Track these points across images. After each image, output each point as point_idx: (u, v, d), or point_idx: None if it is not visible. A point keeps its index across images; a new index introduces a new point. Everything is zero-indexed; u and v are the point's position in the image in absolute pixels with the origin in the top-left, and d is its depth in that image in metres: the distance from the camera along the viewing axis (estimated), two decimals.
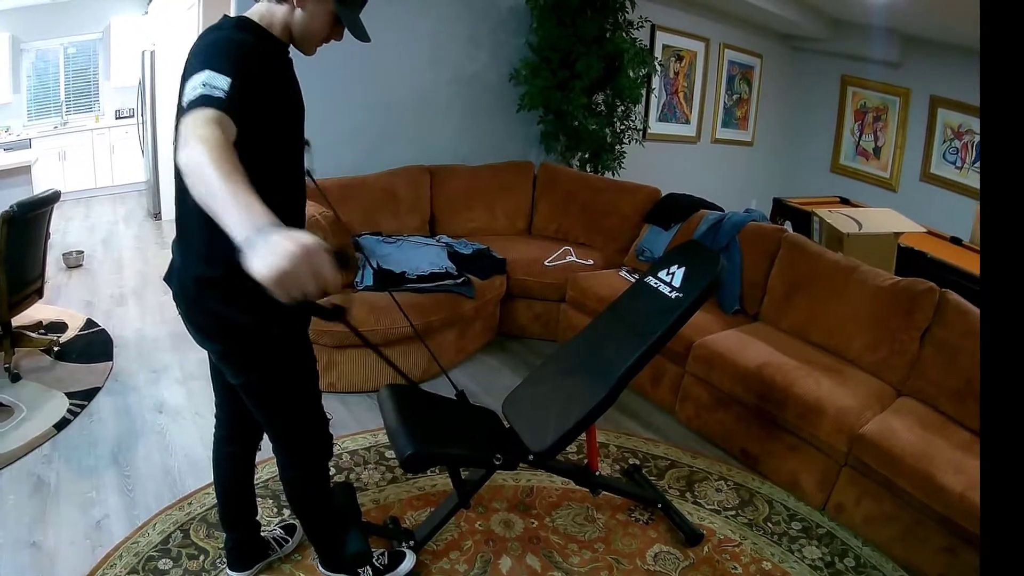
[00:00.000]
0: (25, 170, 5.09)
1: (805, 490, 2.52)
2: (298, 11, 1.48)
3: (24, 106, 6.84)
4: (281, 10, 1.47)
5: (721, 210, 3.57)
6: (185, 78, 1.32)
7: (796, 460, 2.54)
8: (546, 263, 3.74)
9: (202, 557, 2.17)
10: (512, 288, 3.69)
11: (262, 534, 2.12)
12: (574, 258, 3.80)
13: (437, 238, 3.82)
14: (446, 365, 3.38)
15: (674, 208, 3.66)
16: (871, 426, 2.29)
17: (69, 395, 3.05)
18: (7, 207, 2.93)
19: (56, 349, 3.46)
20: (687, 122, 5.38)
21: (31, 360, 3.39)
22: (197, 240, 1.47)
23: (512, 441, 2.08)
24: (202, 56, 1.32)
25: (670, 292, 2.08)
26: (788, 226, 4.13)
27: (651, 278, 2.19)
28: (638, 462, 2.73)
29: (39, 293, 3.44)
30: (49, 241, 3.46)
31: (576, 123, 4.26)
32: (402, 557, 2.10)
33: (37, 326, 3.68)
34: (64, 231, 6.09)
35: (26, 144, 6.31)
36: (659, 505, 2.38)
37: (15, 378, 3.16)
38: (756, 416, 2.68)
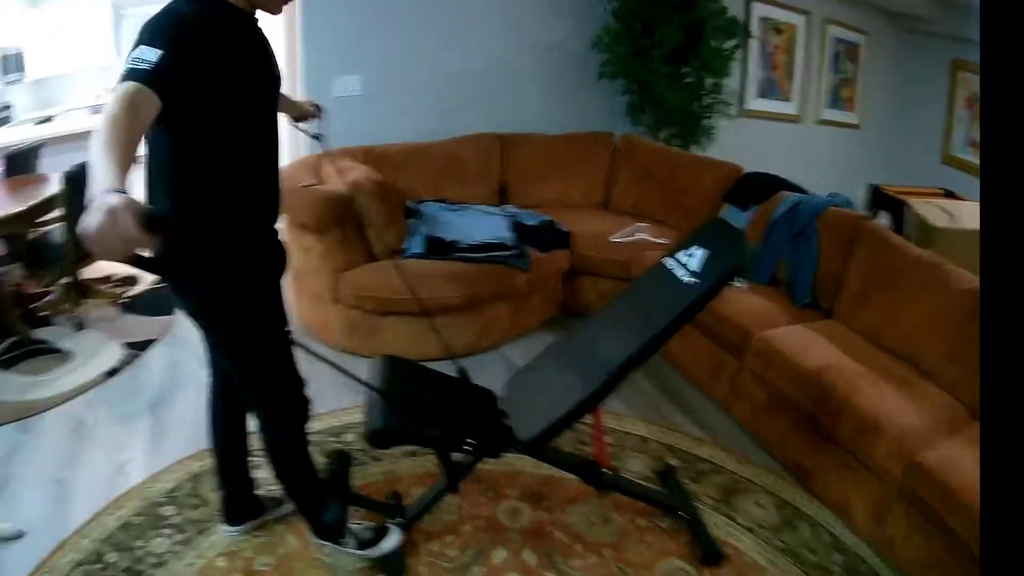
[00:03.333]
0: (86, 136, 5.52)
1: (855, 517, 2.27)
2: None
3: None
4: None
5: (804, 192, 3.32)
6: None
7: (849, 481, 2.30)
8: (612, 239, 3.64)
9: (203, 508, 2.28)
10: (576, 264, 3.59)
11: (259, 493, 2.21)
12: (644, 235, 3.66)
13: (503, 208, 3.80)
14: (498, 340, 3.38)
15: (754, 187, 3.44)
16: (932, 453, 2.02)
17: (125, 345, 3.33)
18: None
19: (123, 302, 3.80)
20: (788, 100, 5.08)
21: (99, 311, 3.72)
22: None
23: (501, 427, 2.03)
24: (141, 31, 1.40)
25: (685, 276, 1.92)
26: (884, 217, 3.78)
27: (670, 258, 2.06)
28: (676, 463, 2.59)
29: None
30: None
31: (661, 94, 4.08)
32: (386, 534, 2.09)
33: (106, 280, 4.01)
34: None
35: None
36: (680, 514, 2.27)
37: (79, 327, 3.48)
38: (811, 425, 2.46)
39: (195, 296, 1.70)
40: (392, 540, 2.10)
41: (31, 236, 3.63)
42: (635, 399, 3.01)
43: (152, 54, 1.33)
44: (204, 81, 1.43)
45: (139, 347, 3.33)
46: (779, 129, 4.92)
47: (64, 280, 3.54)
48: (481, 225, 3.50)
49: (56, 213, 3.53)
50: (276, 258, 1.84)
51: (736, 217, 3.40)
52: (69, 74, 7.59)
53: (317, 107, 2.31)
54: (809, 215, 2.99)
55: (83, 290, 3.73)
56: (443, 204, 3.73)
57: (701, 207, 3.70)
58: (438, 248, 3.28)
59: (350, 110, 3.93)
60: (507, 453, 2.09)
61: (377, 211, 3.20)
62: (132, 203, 1.06)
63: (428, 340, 3.19)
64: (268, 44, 1.68)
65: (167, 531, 2.23)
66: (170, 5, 1.46)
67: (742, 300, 2.99)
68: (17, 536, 2.20)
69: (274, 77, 1.70)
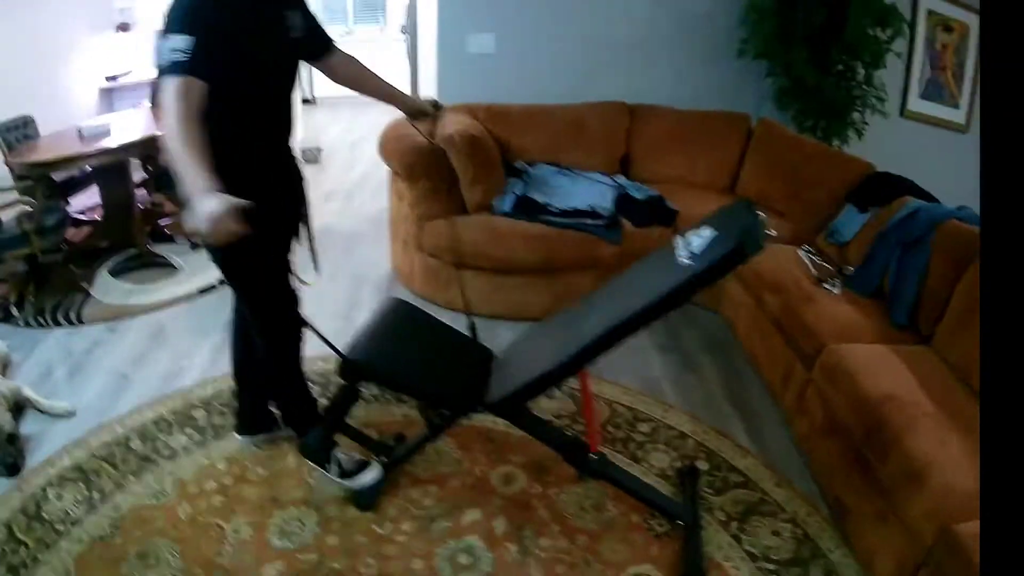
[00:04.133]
0: None
1: (878, 574, 1.98)
2: None
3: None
4: None
5: (934, 200, 2.85)
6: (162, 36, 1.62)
7: (880, 532, 1.97)
8: None
9: (228, 417, 2.50)
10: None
11: (273, 410, 2.40)
12: None
13: (614, 178, 3.69)
14: None
15: (880, 188, 3.00)
16: (972, 526, 1.68)
17: None
18: None
19: None
20: (956, 106, 4.28)
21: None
22: None
23: (476, 386, 2.03)
24: (169, 19, 1.60)
25: (683, 257, 1.74)
26: None
27: (679, 237, 1.88)
28: (706, 467, 2.41)
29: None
30: None
31: (801, 77, 3.69)
32: (367, 469, 2.19)
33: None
34: (324, 130, 7.22)
35: None
36: (679, 522, 2.11)
37: (194, 246, 3.92)
38: (858, 459, 2.13)
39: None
40: (370, 475, 2.19)
41: (164, 160, 4.12)
42: (695, 393, 2.81)
43: (185, 43, 1.54)
44: (219, 51, 1.62)
45: None
46: (941, 137, 4.21)
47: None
48: (583, 192, 3.42)
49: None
50: (274, 193, 1.96)
51: (853, 219, 3.01)
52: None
53: (436, 106, 2.34)
54: (926, 225, 2.56)
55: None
56: (556, 168, 3.70)
57: (823, 203, 3.31)
58: (526, 208, 3.27)
59: (482, 68, 4.01)
60: (476, 412, 2.08)
61: (465, 166, 3.25)
62: (228, 204, 1.45)
63: (500, 297, 3.26)
64: (285, 15, 1.84)
65: (190, 431, 2.50)
66: None
67: (831, 308, 2.66)
68: (69, 414, 2.58)
69: (287, 42, 1.88)
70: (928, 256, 2.53)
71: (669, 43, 4.07)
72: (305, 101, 7.81)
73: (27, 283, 3.44)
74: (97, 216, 4.24)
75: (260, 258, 1.93)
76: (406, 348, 2.10)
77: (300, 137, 6.56)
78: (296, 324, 2.10)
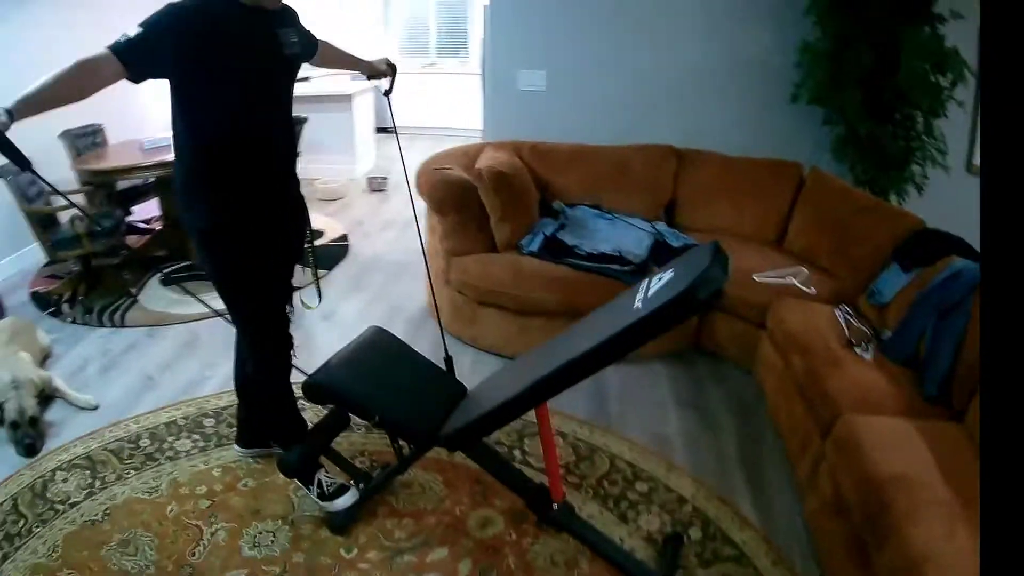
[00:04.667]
0: (346, 99, 6.34)
1: None
2: None
3: (396, 42, 8.37)
4: None
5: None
6: None
7: None
8: (756, 277, 3.29)
9: (234, 429, 2.62)
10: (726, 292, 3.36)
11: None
12: (794, 281, 3.25)
13: (654, 224, 3.66)
14: None
15: (926, 246, 2.82)
16: None
17: None
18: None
19: None
20: None
21: None
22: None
23: (437, 420, 2.05)
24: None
25: (639, 301, 1.69)
26: None
27: (645, 279, 1.84)
28: (698, 537, 2.30)
29: None
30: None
31: (853, 123, 3.54)
32: (345, 493, 2.24)
33: None
34: (396, 159, 7.46)
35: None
36: None
37: None
38: (856, 544, 2.01)
39: (190, 232, 2.04)
40: (345, 500, 2.23)
41: None
42: (707, 455, 2.68)
43: (135, 32, 1.67)
44: (187, 61, 1.73)
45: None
46: None
47: None
48: (618, 236, 3.41)
49: None
50: (263, 219, 2.04)
51: (895, 278, 2.84)
52: (330, 40, 8.83)
53: (390, 65, 2.55)
54: (966, 288, 2.39)
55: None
56: (597, 210, 3.71)
57: (868, 261, 3.14)
58: (553, 249, 3.28)
59: (532, 105, 4.08)
60: (433, 445, 2.10)
61: (493, 202, 3.30)
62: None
63: (524, 339, 3.24)
64: (279, 33, 1.93)
65: (196, 437, 2.62)
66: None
67: (858, 374, 2.50)
68: (92, 407, 2.77)
69: (281, 60, 1.95)
70: (967, 321, 2.36)
71: (721, 86, 4.01)
72: (381, 130, 8.13)
73: (80, 283, 3.74)
74: (158, 226, 4.56)
75: (247, 276, 2.03)
76: (374, 375, 2.13)
77: (370, 166, 6.86)
78: (283, 345, 2.18)
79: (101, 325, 3.49)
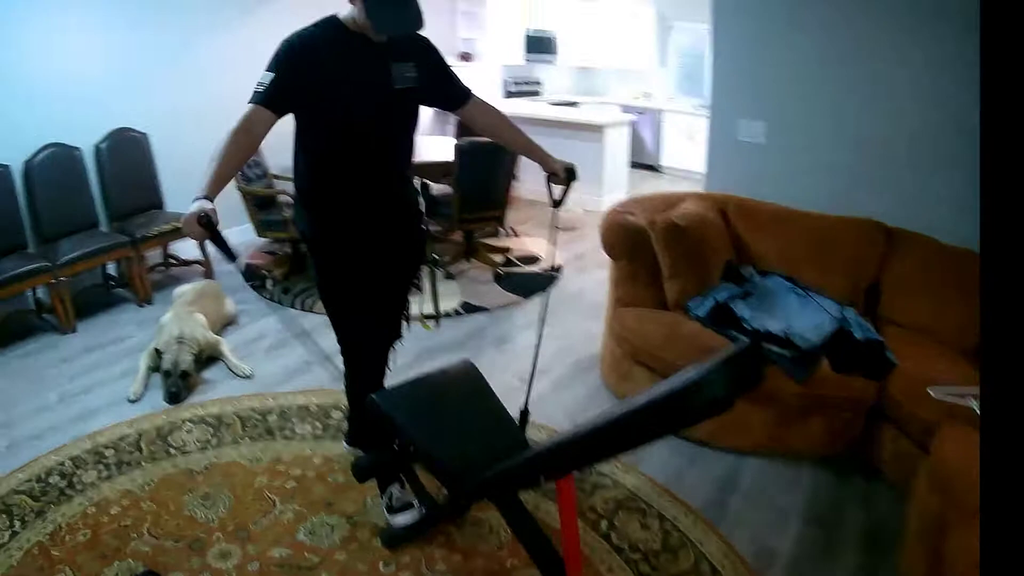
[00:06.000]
0: (598, 129, 6.40)
1: None
2: (353, 7, 1.97)
3: (671, 80, 8.33)
4: (349, 8, 1.99)
5: None
6: None
7: None
8: (930, 390, 2.71)
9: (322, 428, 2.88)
10: (887, 405, 2.85)
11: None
12: (973, 403, 2.62)
13: (843, 308, 3.24)
14: (743, 446, 2.89)
15: None
16: None
17: (463, 304, 4.12)
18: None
19: (498, 272, 4.63)
20: None
21: (480, 271, 4.68)
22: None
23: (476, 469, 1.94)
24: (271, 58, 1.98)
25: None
26: None
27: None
28: None
29: (499, 221, 4.67)
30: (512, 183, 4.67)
31: None
32: (407, 511, 2.30)
33: (504, 250, 4.91)
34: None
35: (634, 111, 7.80)
36: None
37: (448, 276, 4.47)
38: None
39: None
40: (404, 518, 2.29)
41: (433, 190, 4.76)
42: None
43: (267, 78, 1.90)
44: (307, 90, 1.94)
45: (469, 309, 4.08)
46: None
47: (454, 234, 4.59)
48: (798, 316, 3.08)
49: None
50: (360, 242, 2.18)
51: None
52: (605, 70, 8.84)
53: (569, 172, 2.34)
54: None
55: (473, 249, 4.73)
56: (791, 283, 3.39)
57: None
58: (719, 318, 3.05)
59: (750, 157, 3.88)
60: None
61: (663, 256, 3.16)
62: (202, 207, 1.72)
63: None
64: (393, 66, 2.05)
65: (318, 424, 2.93)
66: (297, 32, 1.98)
67: None
68: (246, 376, 3.25)
69: (389, 92, 2.05)
70: None
71: (950, 163, 3.39)
72: (648, 167, 8.14)
73: (285, 264, 4.32)
74: None
75: (337, 289, 2.22)
76: (436, 408, 2.15)
77: (619, 201, 6.90)
78: (368, 356, 2.32)
79: (292, 307, 4.00)
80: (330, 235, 2.16)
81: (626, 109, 8.12)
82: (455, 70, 2.29)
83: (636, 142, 8.16)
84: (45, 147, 3.84)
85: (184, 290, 3.62)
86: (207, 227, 1.71)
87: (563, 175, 2.32)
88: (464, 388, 2.26)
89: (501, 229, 5.35)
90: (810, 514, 2.58)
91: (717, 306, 3.09)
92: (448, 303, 4.14)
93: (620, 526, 2.42)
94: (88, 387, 3.14)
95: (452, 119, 5.95)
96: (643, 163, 8.49)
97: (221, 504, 2.37)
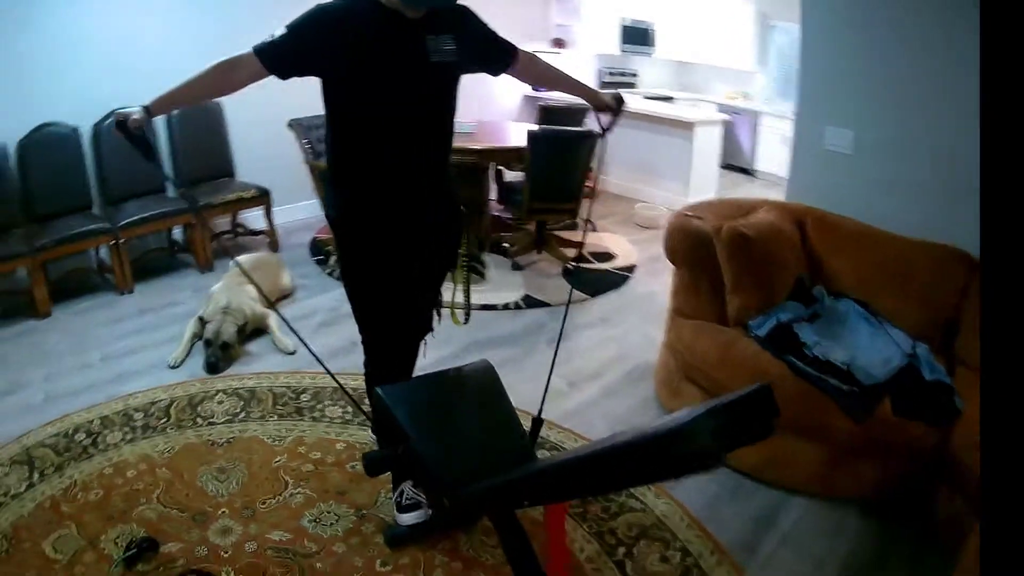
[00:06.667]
0: (687, 127, 6.19)
1: None
2: None
3: (770, 82, 7.95)
4: None
5: None
6: None
7: None
8: None
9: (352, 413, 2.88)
10: (953, 454, 2.53)
11: None
12: None
13: (916, 343, 2.95)
14: (790, 483, 2.67)
15: None
16: None
17: (524, 298, 4.07)
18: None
19: (566, 267, 4.54)
20: None
21: (549, 264, 4.63)
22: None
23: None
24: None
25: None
26: None
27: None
28: None
29: (571, 214, 4.55)
30: (586, 179, 4.58)
31: None
32: (415, 511, 2.26)
33: (578, 244, 4.78)
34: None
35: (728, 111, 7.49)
36: None
37: (516, 267, 4.46)
38: None
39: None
40: (411, 517, 2.26)
41: (507, 176, 4.69)
42: None
43: (279, 34, 1.88)
44: (327, 61, 1.90)
45: (530, 303, 4.03)
46: None
47: (526, 224, 4.53)
48: (865, 348, 2.82)
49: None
50: (388, 225, 2.11)
51: None
52: (703, 66, 8.53)
53: (617, 99, 2.41)
54: None
55: (544, 240, 4.66)
56: (865, 310, 3.13)
57: None
58: (779, 341, 2.84)
59: (835, 167, 3.63)
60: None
61: (725, 267, 2.96)
62: (129, 114, 1.94)
63: None
64: (428, 40, 1.95)
65: (349, 410, 2.92)
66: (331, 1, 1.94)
67: None
68: (289, 352, 3.29)
69: (425, 66, 1.96)
70: None
71: None
72: (743, 171, 7.84)
73: None
74: None
75: (359, 276, 2.18)
76: (441, 409, 2.07)
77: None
78: (387, 349, 2.27)
79: None
80: (355, 216, 2.11)
81: (722, 108, 7.83)
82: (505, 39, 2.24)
83: (731, 144, 7.88)
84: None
85: (241, 260, 3.71)
86: (122, 129, 1.94)
87: (613, 103, 2.39)
88: (476, 390, 2.16)
89: (576, 221, 5.24)
90: (849, 567, 2.37)
91: (779, 326, 2.90)
92: (509, 295, 4.11)
93: (638, 556, 2.29)
94: (133, 349, 3.27)
95: (537, 105, 5.90)
96: (737, 166, 8.19)
97: (234, 480, 2.40)
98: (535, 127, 4.26)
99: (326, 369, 2.19)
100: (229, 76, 1.91)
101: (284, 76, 1.92)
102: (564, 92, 2.48)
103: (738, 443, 1.22)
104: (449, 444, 1.92)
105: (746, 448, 2.63)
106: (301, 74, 1.94)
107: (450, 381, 2.19)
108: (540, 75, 2.40)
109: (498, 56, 2.22)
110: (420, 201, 2.14)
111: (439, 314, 2.47)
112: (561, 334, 2.55)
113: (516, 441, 2.04)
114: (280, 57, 1.89)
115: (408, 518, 2.25)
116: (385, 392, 2.00)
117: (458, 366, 2.27)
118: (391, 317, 2.22)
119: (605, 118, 2.45)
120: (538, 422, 2.13)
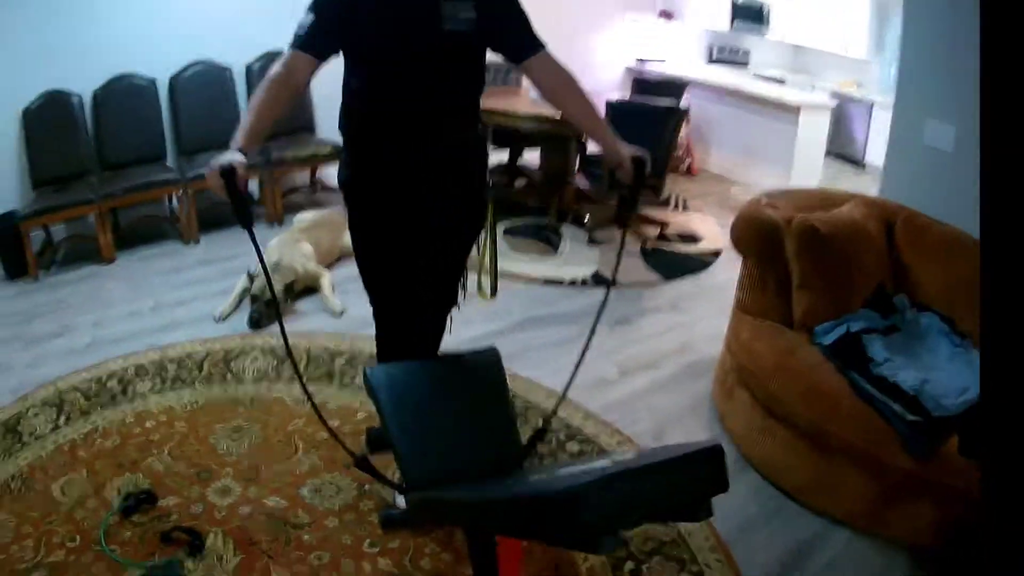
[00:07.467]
0: (793, 111, 5.87)
1: None
2: None
3: (886, 72, 7.31)
4: None
5: None
6: None
7: None
8: None
9: None
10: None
11: None
12: None
13: None
14: (840, 513, 2.42)
15: None
16: None
17: (595, 274, 3.97)
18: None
19: (645, 248, 4.38)
20: None
21: (629, 242, 4.41)
22: None
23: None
24: None
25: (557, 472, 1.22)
26: None
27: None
28: None
29: (654, 191, 4.35)
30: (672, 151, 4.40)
31: None
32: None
33: (662, 223, 4.62)
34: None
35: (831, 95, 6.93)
36: None
37: (591, 241, 4.36)
38: None
39: None
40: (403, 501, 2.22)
41: (590, 149, 4.53)
42: None
43: (307, 19, 1.85)
44: (348, 29, 1.86)
45: (599, 281, 3.92)
46: None
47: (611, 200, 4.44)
48: (941, 372, 2.50)
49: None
50: (402, 198, 2.05)
51: None
52: (818, 51, 7.96)
53: (639, 163, 2.01)
54: None
55: (624, 218, 4.50)
56: (949, 328, 2.77)
57: None
58: (845, 353, 2.57)
59: (933, 165, 3.25)
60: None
61: (794, 262, 2.71)
62: (231, 160, 1.66)
63: (763, 441, 2.69)
64: (445, 5, 1.85)
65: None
66: None
67: None
68: (337, 313, 3.34)
69: (437, 33, 1.86)
70: None
71: None
72: (854, 162, 7.30)
73: None
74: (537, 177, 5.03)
75: (363, 245, 2.18)
76: (431, 400, 1.97)
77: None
78: (389, 320, 2.25)
79: None
80: (364, 183, 2.07)
81: (835, 96, 7.34)
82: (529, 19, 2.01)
83: (843, 133, 7.44)
84: (193, 64, 4.17)
85: (304, 217, 3.79)
86: (227, 181, 1.64)
87: (628, 164, 1.98)
88: (475, 383, 2.06)
89: (662, 199, 5.01)
90: None
91: (847, 336, 2.64)
92: (578, 270, 4.00)
93: (646, 574, 2.15)
94: (184, 300, 3.43)
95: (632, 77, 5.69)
96: (848, 156, 7.66)
97: (247, 440, 2.47)
98: (615, 99, 4.05)
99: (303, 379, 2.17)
100: (290, 87, 1.88)
101: (325, 57, 1.89)
102: (579, 125, 2.21)
103: (640, 520, 1.03)
104: (425, 440, 1.85)
105: (787, 459, 2.41)
106: (338, 50, 1.91)
107: (449, 368, 2.11)
108: (556, 91, 2.06)
109: (518, 42, 1.99)
110: (434, 172, 2.04)
111: (464, 288, 2.39)
112: (592, 331, 2.30)
113: (505, 448, 1.95)
114: (322, 40, 1.86)
115: (404, 501, 2.21)
116: (373, 373, 1.96)
117: (464, 352, 2.19)
118: (399, 292, 2.18)
119: (625, 175, 2.04)
120: (543, 431, 2.03)
